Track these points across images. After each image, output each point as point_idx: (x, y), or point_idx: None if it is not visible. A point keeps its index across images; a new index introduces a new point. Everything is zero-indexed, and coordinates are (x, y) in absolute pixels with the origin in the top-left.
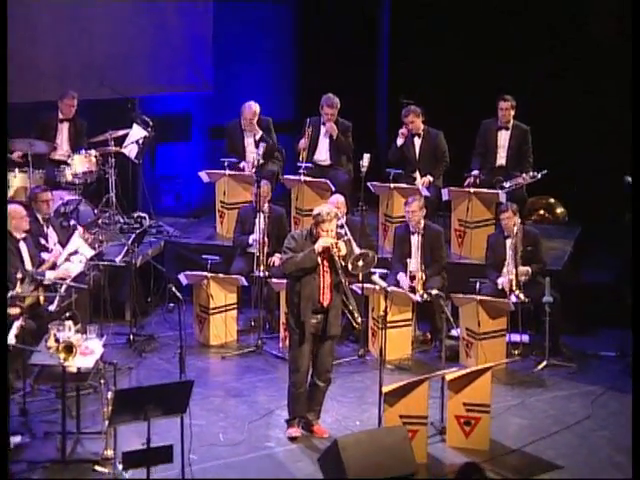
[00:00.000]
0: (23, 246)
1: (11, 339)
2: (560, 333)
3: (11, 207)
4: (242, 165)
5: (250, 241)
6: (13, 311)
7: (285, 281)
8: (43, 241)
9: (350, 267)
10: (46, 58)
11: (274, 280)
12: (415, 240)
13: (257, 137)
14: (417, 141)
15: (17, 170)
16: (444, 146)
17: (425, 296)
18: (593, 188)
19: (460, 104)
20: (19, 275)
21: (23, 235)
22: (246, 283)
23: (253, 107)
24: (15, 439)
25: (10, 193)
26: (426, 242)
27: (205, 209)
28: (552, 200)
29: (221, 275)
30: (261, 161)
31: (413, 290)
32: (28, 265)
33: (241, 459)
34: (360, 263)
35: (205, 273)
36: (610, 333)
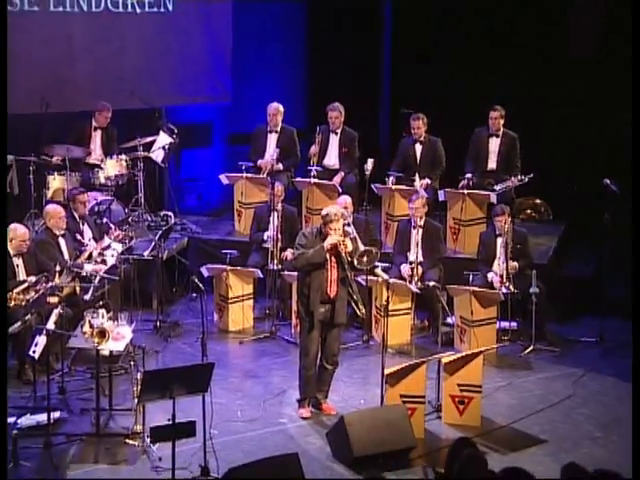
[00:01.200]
0: (62, 241)
1: (50, 325)
2: (545, 321)
3: (51, 207)
4: (259, 162)
5: (265, 237)
6: (52, 300)
7: (296, 274)
8: (79, 237)
9: (355, 262)
10: (82, 73)
11: (287, 272)
12: (415, 234)
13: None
14: (418, 147)
15: (56, 173)
16: (442, 152)
17: (419, 284)
18: (575, 189)
19: (455, 114)
20: (58, 267)
21: (62, 232)
22: (261, 275)
23: (276, 104)
24: (55, 414)
25: (49, 194)
26: (426, 236)
27: (224, 208)
28: (538, 201)
29: (239, 268)
30: (276, 165)
31: (412, 280)
32: (67, 258)
33: (257, 434)
34: (365, 259)
35: (224, 266)
36: (590, 320)
